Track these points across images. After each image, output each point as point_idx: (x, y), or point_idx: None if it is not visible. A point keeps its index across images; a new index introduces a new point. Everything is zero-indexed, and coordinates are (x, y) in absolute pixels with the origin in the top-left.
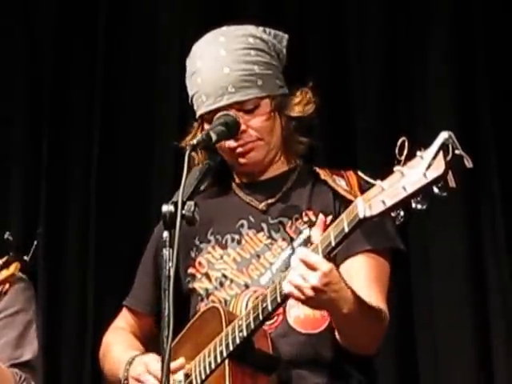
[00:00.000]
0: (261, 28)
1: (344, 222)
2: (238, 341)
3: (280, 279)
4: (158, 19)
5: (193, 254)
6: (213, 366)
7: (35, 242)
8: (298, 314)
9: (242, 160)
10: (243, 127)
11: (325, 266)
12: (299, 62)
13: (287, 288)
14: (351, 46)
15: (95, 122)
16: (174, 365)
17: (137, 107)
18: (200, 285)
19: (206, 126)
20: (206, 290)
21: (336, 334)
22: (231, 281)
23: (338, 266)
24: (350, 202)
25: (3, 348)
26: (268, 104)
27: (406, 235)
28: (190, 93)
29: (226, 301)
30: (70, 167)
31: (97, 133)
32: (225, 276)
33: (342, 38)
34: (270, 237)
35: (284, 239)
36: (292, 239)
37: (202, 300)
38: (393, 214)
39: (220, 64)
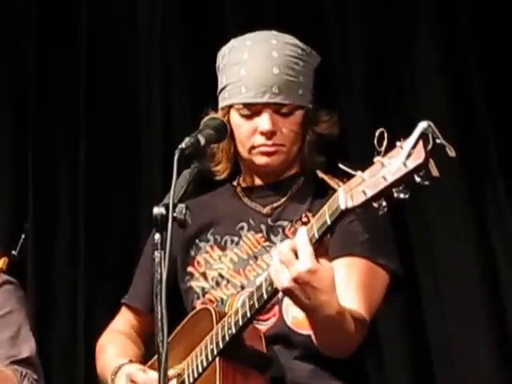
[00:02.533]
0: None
1: (326, 213)
2: (227, 338)
3: (265, 276)
4: (137, 20)
5: (192, 253)
6: (204, 364)
7: (22, 236)
8: (296, 315)
9: (261, 159)
10: (274, 129)
11: (311, 262)
12: None
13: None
14: (334, 46)
15: (81, 120)
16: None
17: (122, 108)
18: (197, 283)
19: (234, 117)
20: (203, 288)
21: (313, 338)
22: (227, 281)
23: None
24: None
25: None
26: (301, 115)
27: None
28: (225, 81)
29: (222, 300)
30: (57, 167)
31: (83, 133)
32: (221, 276)
33: (323, 36)
34: (269, 239)
35: (282, 242)
36: None
37: (198, 298)
38: (375, 205)
39: (271, 64)
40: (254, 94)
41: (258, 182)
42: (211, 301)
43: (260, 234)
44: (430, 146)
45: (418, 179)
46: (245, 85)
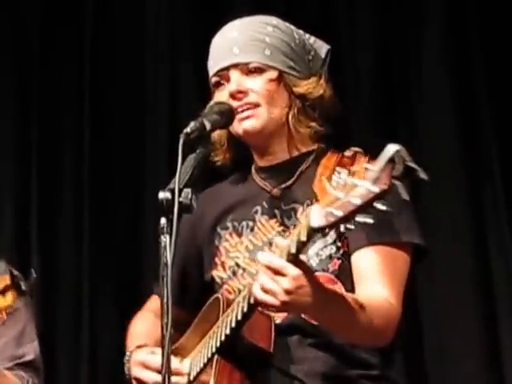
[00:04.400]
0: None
1: (301, 229)
2: (222, 338)
3: (246, 287)
4: (145, 6)
5: (216, 242)
6: (205, 359)
7: (32, 276)
8: None
9: (241, 126)
10: (240, 88)
11: (292, 270)
12: None
13: (259, 295)
14: (344, 48)
15: (85, 108)
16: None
17: (127, 94)
18: (217, 273)
19: (217, 92)
20: (221, 278)
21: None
22: (243, 270)
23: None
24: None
25: (4, 347)
26: (274, 75)
27: None
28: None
29: (239, 290)
30: (60, 156)
31: (87, 120)
32: (237, 265)
33: (333, 37)
34: (283, 224)
35: (295, 226)
36: None
37: (219, 288)
38: (342, 228)
39: (231, 30)
40: (218, 62)
41: (264, 162)
42: (229, 292)
43: (274, 219)
44: (396, 172)
45: (377, 205)
46: (212, 58)
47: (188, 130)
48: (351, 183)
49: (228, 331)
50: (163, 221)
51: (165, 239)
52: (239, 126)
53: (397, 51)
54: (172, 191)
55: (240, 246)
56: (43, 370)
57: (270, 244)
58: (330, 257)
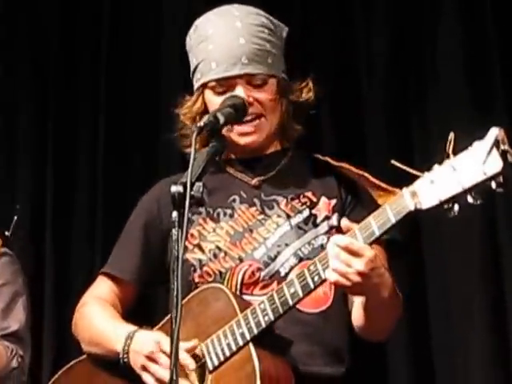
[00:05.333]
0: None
1: (388, 212)
2: (263, 325)
3: (309, 265)
4: None
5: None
6: (233, 348)
7: (15, 218)
8: None
9: (243, 139)
10: (250, 100)
11: (369, 251)
12: (300, 55)
13: (333, 277)
14: (359, 33)
15: (101, 94)
16: (187, 345)
17: (142, 78)
18: (193, 256)
19: (208, 95)
20: (200, 260)
21: (358, 321)
22: (225, 253)
23: None
24: (363, 189)
25: None
26: (274, 84)
27: None
28: (195, 61)
29: (220, 273)
30: (77, 141)
31: (103, 99)
32: (218, 248)
33: (348, 31)
34: (263, 212)
35: (279, 216)
36: (289, 216)
37: (194, 271)
38: (445, 207)
39: (236, 34)
40: (224, 68)
41: (243, 155)
42: (209, 274)
43: (254, 208)
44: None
45: (493, 186)
46: (214, 59)
47: (201, 123)
48: (457, 166)
49: (273, 318)
50: (175, 214)
51: (176, 233)
52: (240, 139)
53: (411, 36)
54: (184, 185)
55: (220, 230)
56: (30, 342)
57: (251, 231)
58: (322, 246)
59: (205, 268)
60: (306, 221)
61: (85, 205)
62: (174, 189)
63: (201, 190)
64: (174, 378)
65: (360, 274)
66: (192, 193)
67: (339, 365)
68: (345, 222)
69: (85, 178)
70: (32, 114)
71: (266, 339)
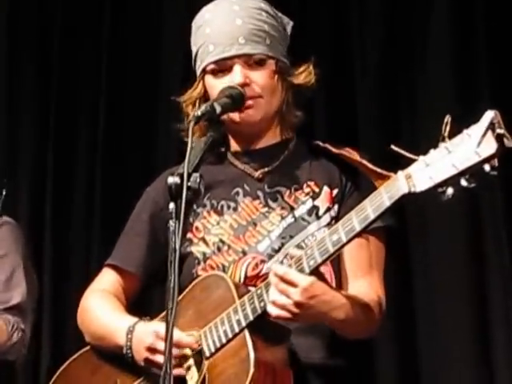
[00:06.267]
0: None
1: (383, 195)
2: (259, 311)
3: (306, 250)
4: None
5: (190, 219)
6: (230, 335)
7: (3, 193)
8: None
9: (240, 115)
10: (247, 81)
11: (304, 281)
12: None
13: (273, 311)
14: (353, 28)
15: (101, 80)
16: (186, 338)
17: (142, 78)
18: (197, 248)
19: (208, 80)
20: (204, 253)
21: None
22: (228, 246)
23: None
24: (363, 176)
25: None
26: (273, 64)
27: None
28: (195, 48)
29: (224, 266)
30: (76, 128)
31: (104, 85)
32: (222, 241)
33: (342, 19)
34: (267, 205)
35: (283, 208)
36: (292, 208)
37: (198, 263)
38: (440, 190)
39: (233, 16)
40: (221, 49)
41: (246, 147)
42: (212, 267)
43: (258, 201)
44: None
45: (487, 168)
46: (212, 42)
47: (198, 113)
48: (452, 149)
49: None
50: (172, 205)
51: (173, 224)
52: (238, 115)
53: (403, 28)
54: (181, 176)
55: (223, 223)
56: (31, 312)
57: (255, 224)
58: None
59: (208, 261)
60: (309, 212)
61: (82, 205)
62: (171, 180)
63: (197, 180)
64: (168, 368)
65: (297, 305)
66: (189, 184)
67: (341, 357)
68: (291, 251)
69: (83, 179)
70: (34, 113)
71: (266, 328)
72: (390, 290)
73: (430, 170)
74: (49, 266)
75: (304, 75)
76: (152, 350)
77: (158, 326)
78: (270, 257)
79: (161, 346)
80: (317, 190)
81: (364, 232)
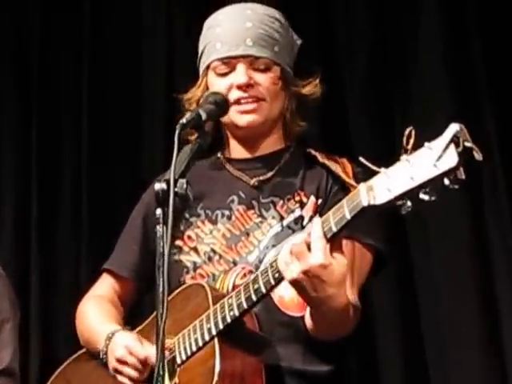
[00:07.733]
0: None
1: (345, 208)
2: (228, 320)
3: (271, 261)
4: None
5: (182, 227)
6: (200, 343)
7: None
8: (282, 295)
9: (244, 118)
10: (251, 81)
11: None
12: None
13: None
14: (340, 28)
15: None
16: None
17: (124, 88)
18: (188, 258)
19: (211, 77)
20: (194, 263)
21: (307, 323)
22: (220, 256)
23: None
24: (348, 187)
25: None
26: (278, 72)
27: None
28: (202, 46)
29: (214, 275)
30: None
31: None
32: (213, 251)
33: (330, 22)
34: (261, 215)
35: (274, 217)
36: (282, 218)
37: (187, 272)
38: (399, 203)
39: (244, 19)
40: (228, 48)
41: (243, 154)
42: (202, 276)
43: (252, 211)
44: (460, 149)
45: (447, 182)
46: (220, 40)
47: (184, 120)
48: (413, 162)
49: (237, 313)
50: (159, 211)
51: (160, 229)
52: (241, 118)
53: (394, 29)
54: (168, 182)
55: (216, 232)
56: (19, 372)
57: (247, 234)
58: None
59: (198, 270)
60: (296, 221)
61: (68, 217)
62: (158, 186)
63: (184, 186)
64: (161, 373)
65: (323, 265)
66: (176, 189)
67: (324, 363)
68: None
69: (68, 191)
70: (16, 119)
71: (240, 336)
72: (393, 290)
73: (390, 183)
74: (37, 277)
75: (309, 87)
76: (121, 362)
77: (128, 340)
78: (257, 267)
79: (130, 359)
80: (305, 199)
81: (356, 241)
